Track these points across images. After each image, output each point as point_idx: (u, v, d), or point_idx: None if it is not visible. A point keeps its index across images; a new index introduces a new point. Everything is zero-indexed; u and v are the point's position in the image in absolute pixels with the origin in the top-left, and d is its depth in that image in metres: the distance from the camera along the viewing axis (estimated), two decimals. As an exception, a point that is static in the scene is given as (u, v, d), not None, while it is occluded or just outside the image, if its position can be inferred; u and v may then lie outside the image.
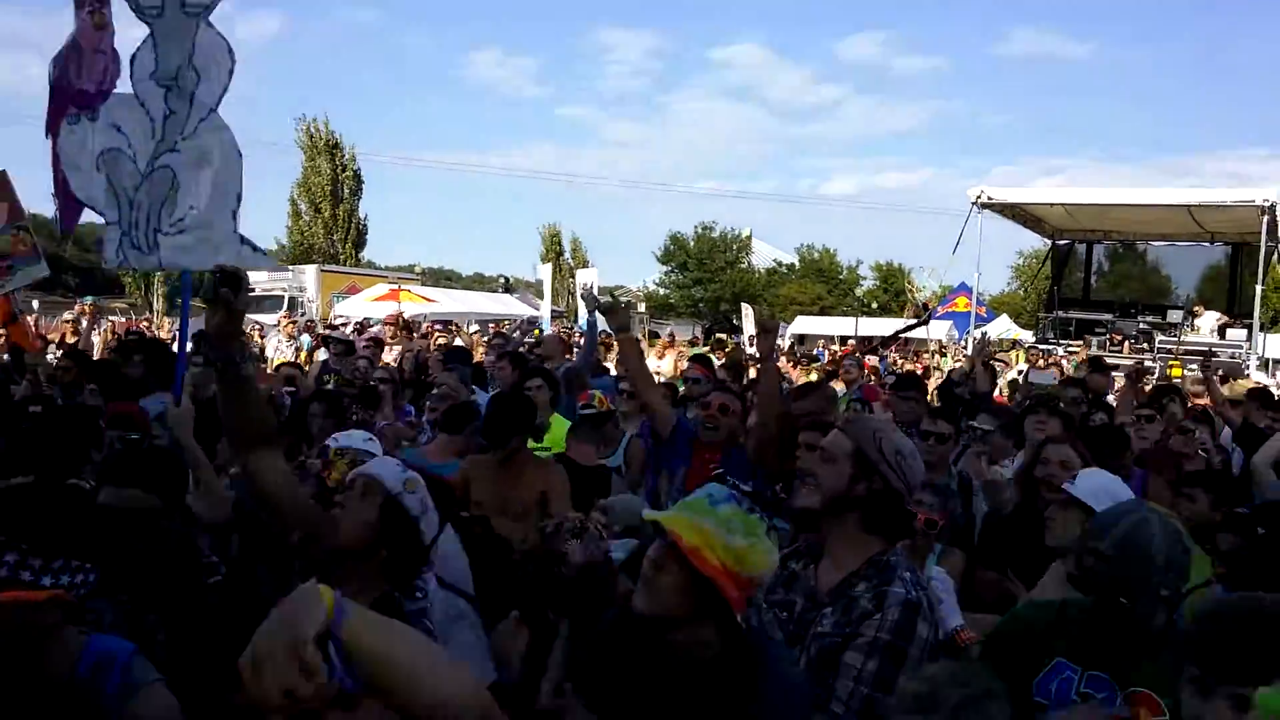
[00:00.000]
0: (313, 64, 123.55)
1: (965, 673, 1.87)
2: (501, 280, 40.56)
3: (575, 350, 10.12)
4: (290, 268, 33.90)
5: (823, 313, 40.76)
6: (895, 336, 20.61)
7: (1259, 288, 16.29)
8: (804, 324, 36.70)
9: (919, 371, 13.60)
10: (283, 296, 27.74)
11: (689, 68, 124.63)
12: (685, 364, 14.57)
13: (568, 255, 57.81)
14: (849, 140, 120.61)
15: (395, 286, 26.32)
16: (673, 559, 2.09)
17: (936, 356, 19.70)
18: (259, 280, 30.23)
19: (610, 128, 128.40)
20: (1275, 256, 17.77)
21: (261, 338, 16.44)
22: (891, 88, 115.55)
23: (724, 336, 29.89)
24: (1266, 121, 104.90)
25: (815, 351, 23.81)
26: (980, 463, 5.00)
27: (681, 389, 7.72)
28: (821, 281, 54.15)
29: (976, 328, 22.88)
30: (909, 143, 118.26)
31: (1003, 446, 5.28)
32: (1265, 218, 15.29)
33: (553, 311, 24.92)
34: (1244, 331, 16.87)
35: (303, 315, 24.14)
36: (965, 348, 18.02)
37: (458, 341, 13.69)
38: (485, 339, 14.59)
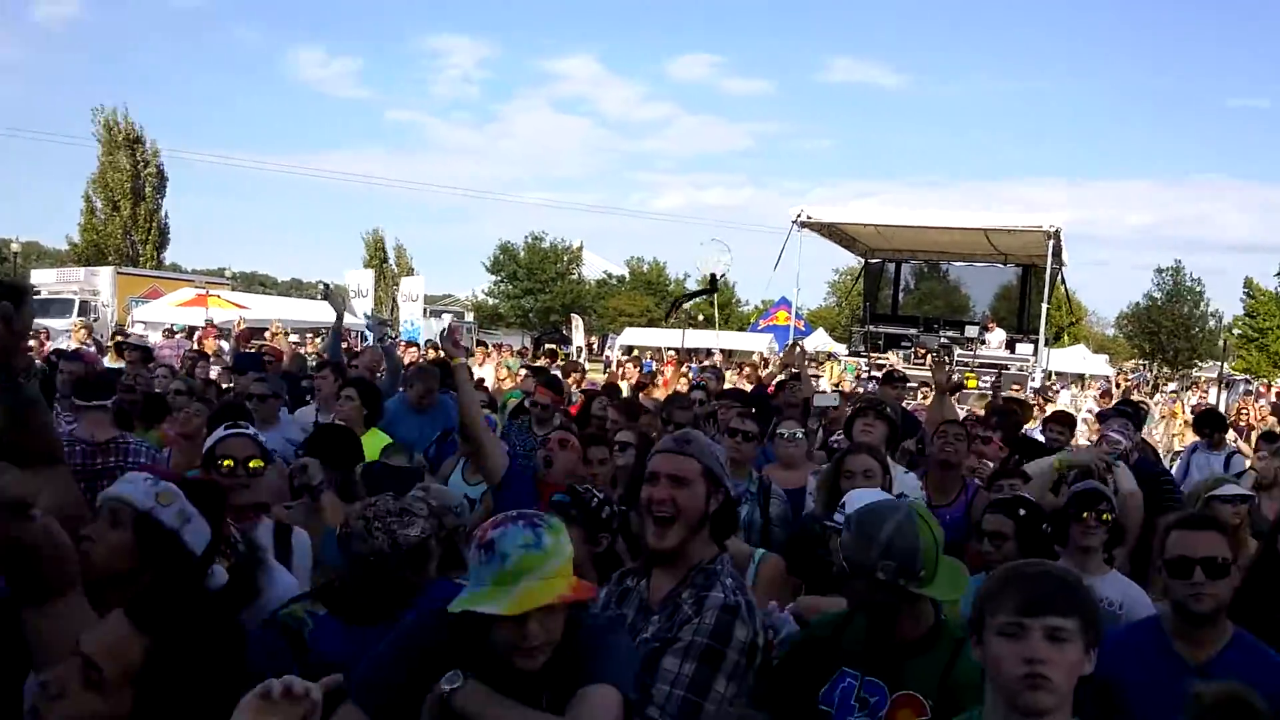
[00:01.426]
0: (119, 52, 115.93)
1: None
2: (320, 286, 39.11)
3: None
4: (82, 269, 31.60)
5: (651, 324, 41.28)
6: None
7: (1044, 306, 17.59)
8: (632, 335, 37.08)
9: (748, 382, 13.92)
10: (73, 300, 25.82)
11: (522, 78, 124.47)
12: (504, 372, 14.48)
13: (392, 262, 56.44)
14: (678, 157, 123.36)
15: (203, 291, 24.97)
16: (549, 614, 2.09)
17: (760, 369, 20.24)
18: (46, 282, 28.00)
19: (441, 134, 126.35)
20: (1060, 278, 19.21)
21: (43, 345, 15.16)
22: (720, 108, 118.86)
23: (554, 347, 29.81)
24: (1056, 153, 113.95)
25: (644, 363, 24.10)
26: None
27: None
28: (650, 294, 54.91)
29: (795, 341, 23.79)
30: (735, 162, 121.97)
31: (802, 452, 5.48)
32: (1051, 242, 16.51)
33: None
34: (1030, 346, 18.19)
35: (95, 320, 22.52)
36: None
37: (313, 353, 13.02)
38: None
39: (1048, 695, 1.80)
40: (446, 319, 29.19)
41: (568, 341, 30.70)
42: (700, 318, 34.08)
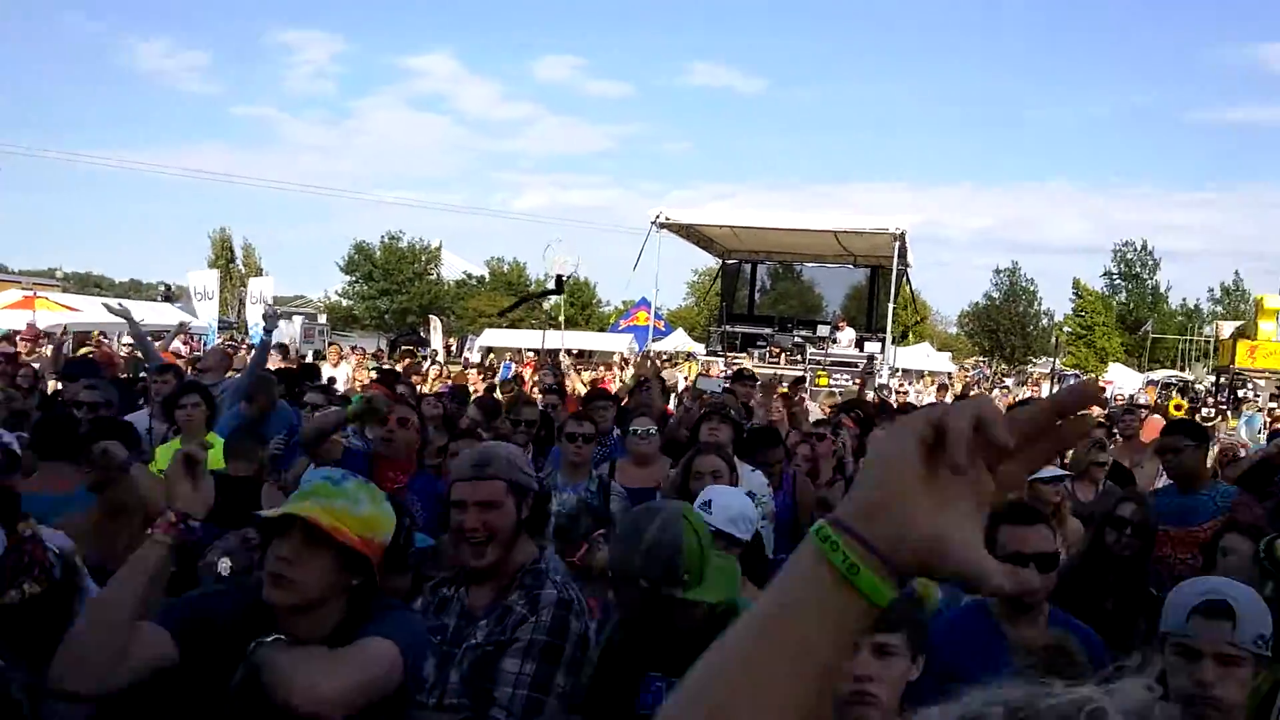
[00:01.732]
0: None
1: None
2: (162, 287, 37.12)
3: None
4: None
5: (512, 326, 40.96)
6: (521, 302, 21.26)
7: (891, 306, 18.32)
8: (492, 337, 36.70)
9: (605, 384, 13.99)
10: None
11: (378, 74, 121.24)
12: (365, 372, 14.13)
13: (239, 262, 54.22)
14: (540, 157, 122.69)
15: (30, 293, 23.37)
16: (307, 546, 2.10)
17: (617, 370, 20.37)
18: None
19: (293, 131, 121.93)
20: (905, 278, 20.04)
21: None
22: (582, 109, 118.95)
23: (412, 349, 29.17)
24: (902, 158, 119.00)
25: (502, 365, 23.88)
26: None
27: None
28: (511, 294, 54.46)
29: (654, 340, 24.02)
30: (597, 163, 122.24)
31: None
32: (897, 243, 17.22)
33: (220, 322, 23.19)
34: (878, 344, 18.92)
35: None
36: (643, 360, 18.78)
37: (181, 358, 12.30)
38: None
39: (873, 710, 1.83)
40: (297, 321, 28.23)
41: (426, 343, 30.14)
42: (561, 318, 34.12)
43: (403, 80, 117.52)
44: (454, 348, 34.18)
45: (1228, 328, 36.91)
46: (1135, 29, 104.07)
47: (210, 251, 53.46)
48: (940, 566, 0.79)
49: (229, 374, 8.04)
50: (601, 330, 42.70)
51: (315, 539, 2.10)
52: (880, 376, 17.17)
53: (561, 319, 18.27)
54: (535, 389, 11.31)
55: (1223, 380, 29.68)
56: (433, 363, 17.58)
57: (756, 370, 13.98)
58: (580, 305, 53.22)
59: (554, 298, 21.91)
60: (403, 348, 30.19)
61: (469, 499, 2.53)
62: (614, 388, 13.61)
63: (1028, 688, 0.75)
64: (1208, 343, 42.81)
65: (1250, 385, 28.47)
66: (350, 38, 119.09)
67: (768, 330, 20.81)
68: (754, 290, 23.77)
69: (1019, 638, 2.79)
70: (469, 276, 57.14)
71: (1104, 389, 29.65)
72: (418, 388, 9.83)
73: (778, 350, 19.52)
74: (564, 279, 16.07)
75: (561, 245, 19.24)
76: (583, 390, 11.76)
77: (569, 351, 25.91)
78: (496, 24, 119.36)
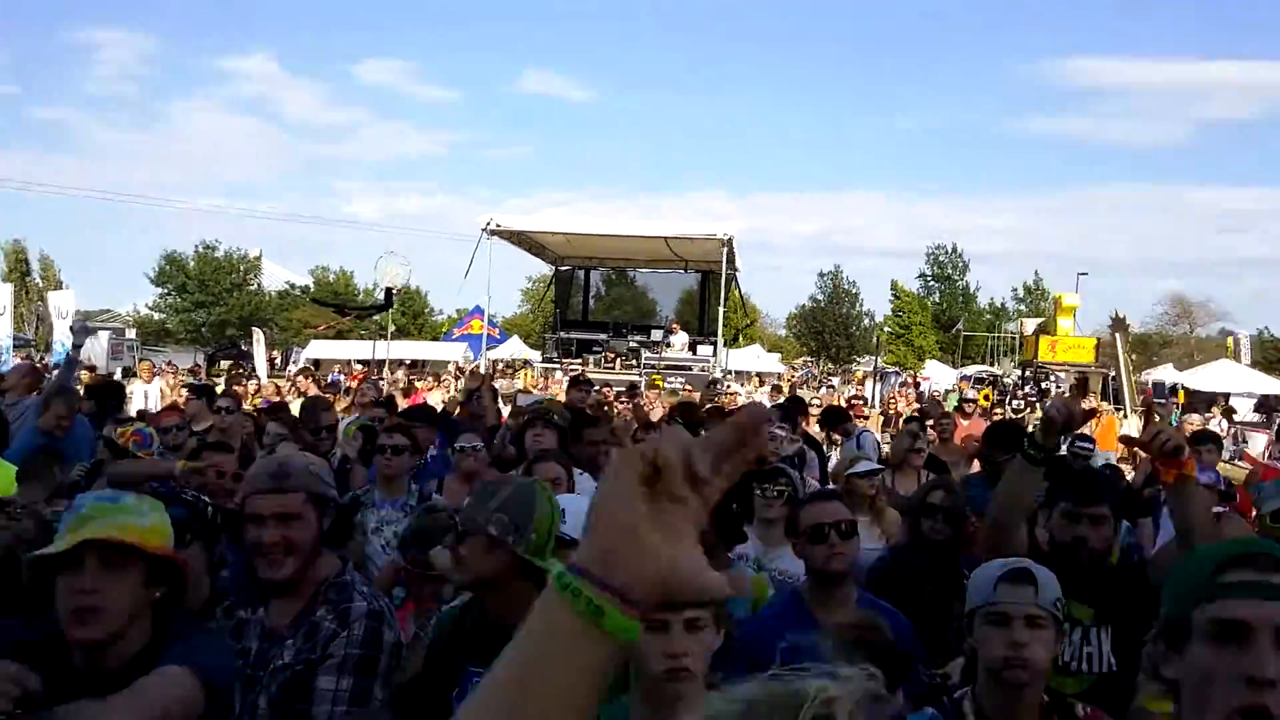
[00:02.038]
0: None
1: None
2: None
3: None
4: None
5: (339, 336, 39.56)
6: (347, 310, 20.75)
7: (721, 309, 18.69)
8: (318, 349, 35.32)
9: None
10: None
11: (192, 76, 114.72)
12: (183, 391, 13.29)
13: (36, 275, 50.31)
14: (368, 163, 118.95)
15: None
16: (107, 569, 2.02)
17: (451, 380, 19.94)
18: None
19: (96, 135, 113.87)
20: (735, 283, 20.50)
21: None
22: (411, 115, 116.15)
23: (234, 363, 27.76)
24: (732, 165, 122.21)
25: (330, 377, 23.00)
26: None
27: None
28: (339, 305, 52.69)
29: (489, 349, 23.69)
30: (428, 169, 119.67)
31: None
32: (725, 249, 17.56)
33: (16, 339, 21.37)
34: (711, 348, 19.28)
35: None
36: (479, 368, 18.48)
37: None
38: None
39: (689, 683, 1.93)
40: (103, 336, 26.32)
41: (248, 357, 28.69)
42: (392, 329, 33.24)
43: (218, 83, 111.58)
44: (278, 361, 32.73)
45: (1031, 325, 39.66)
46: (943, 45, 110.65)
47: (2, 264, 49.35)
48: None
49: (34, 393, 7.38)
50: (435, 339, 41.81)
51: (114, 560, 2.02)
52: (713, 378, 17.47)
53: (389, 331, 17.70)
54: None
55: (1028, 374, 31.79)
56: (250, 377, 16.71)
57: (591, 376, 13.99)
58: (412, 314, 52.03)
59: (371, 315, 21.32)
60: (223, 362, 28.69)
61: (266, 512, 2.45)
62: (443, 398, 13.30)
63: (770, 681, 0.84)
64: (1014, 339, 45.82)
65: (1053, 378, 30.59)
66: (159, 37, 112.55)
67: (603, 336, 20.88)
68: (588, 296, 23.82)
69: (829, 620, 2.90)
70: (292, 287, 54.94)
71: (919, 384, 31.28)
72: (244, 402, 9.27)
73: (613, 355, 19.60)
74: (393, 293, 15.60)
75: (394, 257, 18.71)
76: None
77: (401, 362, 25.23)
78: (317, 26, 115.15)
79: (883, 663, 1.21)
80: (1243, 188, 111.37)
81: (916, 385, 31.07)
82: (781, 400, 10.65)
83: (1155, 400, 20.68)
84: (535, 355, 26.27)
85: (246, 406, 9.85)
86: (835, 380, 32.82)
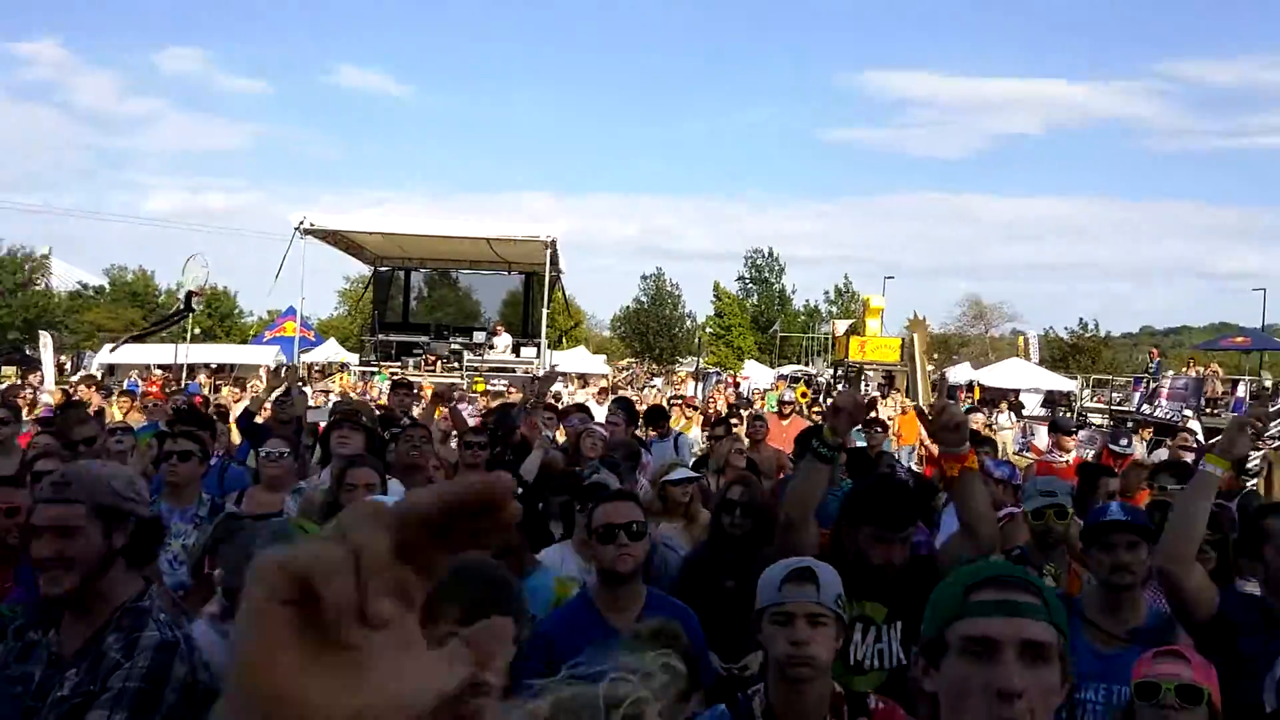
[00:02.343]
0: None
1: None
2: None
3: None
4: None
5: (138, 339, 37.10)
6: (152, 329, 19.66)
7: (545, 311, 18.62)
8: (114, 352, 32.98)
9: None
10: None
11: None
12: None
13: None
14: (169, 156, 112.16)
15: None
16: None
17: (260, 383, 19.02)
18: None
19: None
20: (559, 284, 20.47)
21: None
22: (215, 106, 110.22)
23: (10, 371, 25.54)
24: (552, 168, 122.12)
25: (127, 384, 21.50)
26: None
27: None
28: (136, 306, 49.40)
29: (303, 351, 22.74)
30: (234, 164, 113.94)
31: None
32: (549, 251, 17.50)
33: None
34: (535, 349, 19.18)
35: None
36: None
37: None
38: None
39: (487, 698, 1.84)
40: None
41: (35, 363, 26.42)
42: (197, 331, 31.33)
43: (1, 68, 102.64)
44: (68, 366, 30.37)
45: (842, 325, 41.47)
46: (759, 53, 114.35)
47: None
48: None
49: None
50: (244, 342, 39.81)
51: None
52: (557, 383, 17.36)
53: (189, 335, 16.71)
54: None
55: (840, 373, 33.24)
56: (28, 385, 15.38)
57: (410, 378, 13.63)
58: (219, 316, 49.41)
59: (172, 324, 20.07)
60: (5, 368, 26.35)
61: (43, 523, 2.27)
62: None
63: (571, 686, 0.78)
64: (827, 339, 47.83)
65: (864, 376, 32.09)
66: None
67: (424, 338, 20.41)
68: (408, 298, 23.24)
69: (620, 622, 2.93)
70: (84, 287, 51.12)
71: (739, 384, 32.19)
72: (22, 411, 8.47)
73: (434, 358, 19.19)
74: (194, 296, 14.72)
75: (198, 259, 17.69)
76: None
77: (205, 366, 23.89)
78: (112, 9, 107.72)
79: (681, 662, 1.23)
80: (1032, 198, 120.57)
81: (736, 385, 31.94)
82: (613, 399, 10.67)
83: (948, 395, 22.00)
84: (353, 358, 25.41)
85: (28, 416, 9.05)
86: (658, 381, 33.31)
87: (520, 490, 4.54)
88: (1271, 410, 18.44)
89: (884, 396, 25.84)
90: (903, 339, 33.91)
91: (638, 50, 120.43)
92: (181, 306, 15.97)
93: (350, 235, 19.43)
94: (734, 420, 9.10)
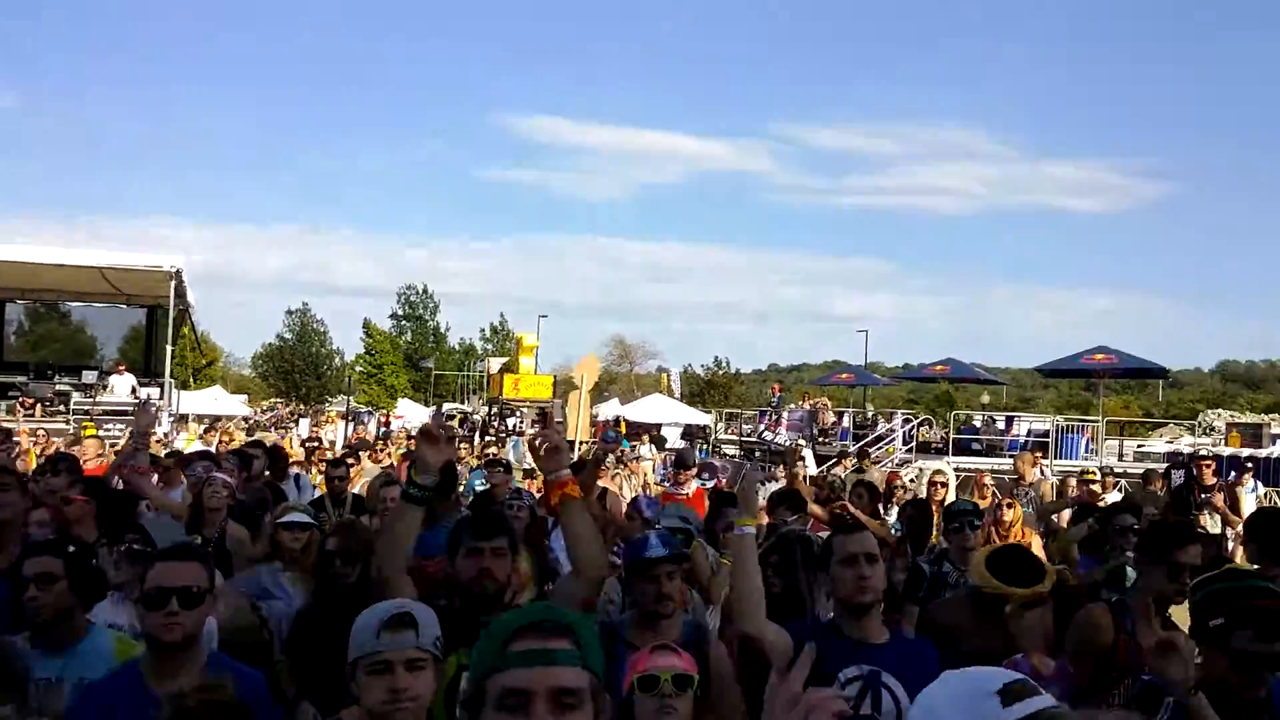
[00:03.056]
0: None
1: None
2: None
3: None
4: None
5: None
6: None
7: (170, 348, 17.05)
8: None
9: None
10: None
11: None
12: None
13: None
14: None
15: None
16: None
17: None
18: None
19: None
20: (187, 319, 18.88)
21: None
22: None
23: None
24: (186, 192, 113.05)
25: None
26: None
27: None
28: None
29: None
30: None
31: None
32: (173, 281, 16.08)
33: None
34: (159, 389, 17.46)
35: None
36: None
37: None
38: None
39: None
40: None
41: None
42: None
43: None
44: None
45: (496, 364, 41.79)
46: (416, 90, 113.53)
47: None
48: None
49: None
50: None
51: None
52: (161, 424, 15.80)
53: None
54: None
55: (494, 410, 33.41)
56: None
57: (4, 424, 11.86)
58: None
59: None
60: None
61: None
62: None
63: None
64: (482, 376, 47.96)
65: (518, 413, 32.45)
66: None
67: (21, 379, 17.92)
68: (3, 333, 20.39)
69: (162, 688, 2.64)
70: None
71: (392, 421, 31.36)
72: None
73: (32, 401, 16.85)
74: None
75: None
76: None
77: None
78: None
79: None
80: (673, 243, 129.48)
81: (388, 424, 31.10)
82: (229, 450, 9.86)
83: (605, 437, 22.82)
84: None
85: None
86: (304, 421, 31.61)
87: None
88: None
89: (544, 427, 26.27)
90: (555, 377, 34.87)
91: (289, 75, 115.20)
92: None
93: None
94: (352, 460, 8.71)
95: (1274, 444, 35.77)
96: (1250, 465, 15.80)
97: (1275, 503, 15.85)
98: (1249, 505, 9.76)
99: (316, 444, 14.09)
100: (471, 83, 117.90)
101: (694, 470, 8.43)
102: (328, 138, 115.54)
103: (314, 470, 10.70)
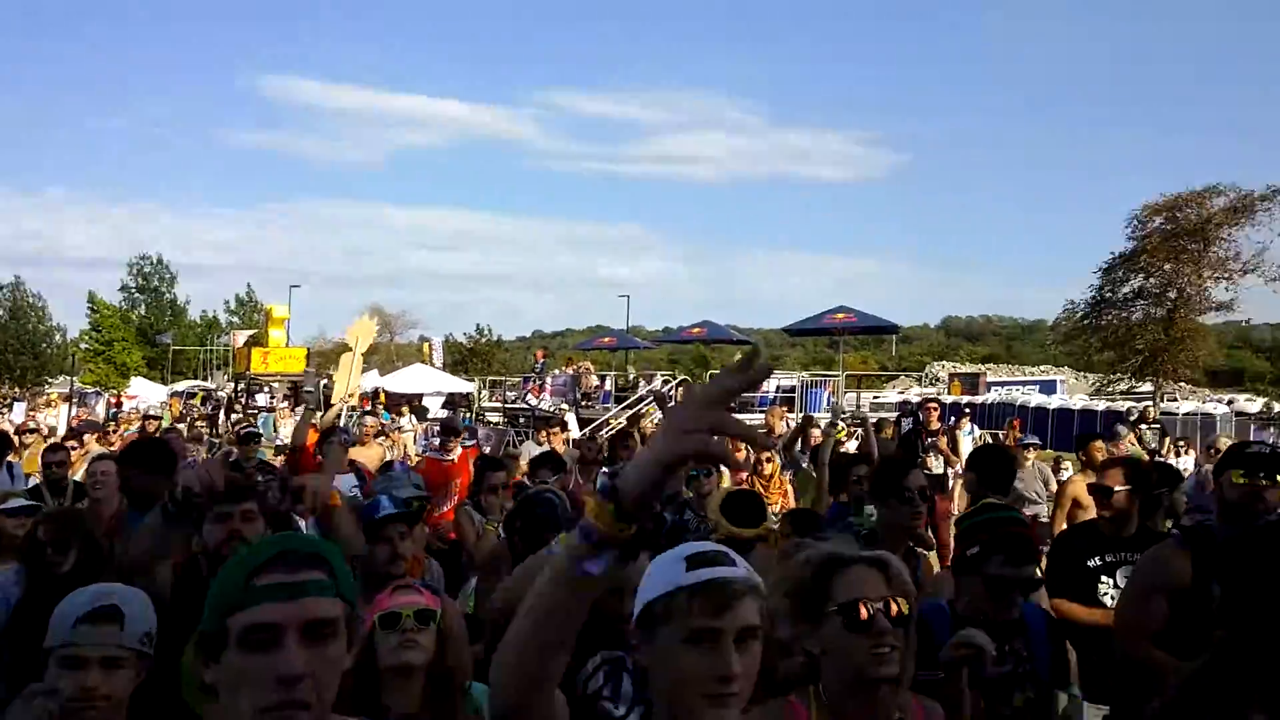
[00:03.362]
0: None
1: None
2: None
3: None
4: None
5: None
6: None
7: None
8: None
9: None
10: None
11: None
12: None
13: None
14: None
15: None
16: None
17: None
18: None
19: None
20: None
21: None
22: None
23: None
24: None
25: None
26: None
27: None
28: None
29: None
30: None
31: None
32: None
33: None
34: None
35: None
36: None
37: None
38: None
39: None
40: None
41: None
42: None
43: None
44: None
45: (242, 337, 39.41)
46: (148, 46, 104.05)
47: None
48: None
49: None
50: None
51: None
52: None
53: None
54: None
55: (241, 385, 31.50)
56: None
57: None
58: None
59: None
60: None
61: None
62: None
63: None
64: (227, 351, 45.06)
65: (267, 389, 30.72)
66: None
67: None
68: None
69: None
70: None
71: (124, 402, 29.00)
72: None
73: None
74: None
75: None
76: None
77: None
78: None
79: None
80: (435, 208, 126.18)
81: (119, 405, 28.70)
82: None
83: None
84: None
85: None
86: (20, 406, 28.54)
87: None
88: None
89: (293, 407, 25.05)
90: (309, 350, 33.35)
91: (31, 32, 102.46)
92: None
93: None
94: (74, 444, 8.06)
95: (989, 391, 39.92)
96: (968, 411, 17.53)
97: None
98: (966, 447, 10.81)
99: (28, 432, 12.77)
100: (212, 39, 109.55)
101: (460, 435, 8.39)
102: (49, 94, 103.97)
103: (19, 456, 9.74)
